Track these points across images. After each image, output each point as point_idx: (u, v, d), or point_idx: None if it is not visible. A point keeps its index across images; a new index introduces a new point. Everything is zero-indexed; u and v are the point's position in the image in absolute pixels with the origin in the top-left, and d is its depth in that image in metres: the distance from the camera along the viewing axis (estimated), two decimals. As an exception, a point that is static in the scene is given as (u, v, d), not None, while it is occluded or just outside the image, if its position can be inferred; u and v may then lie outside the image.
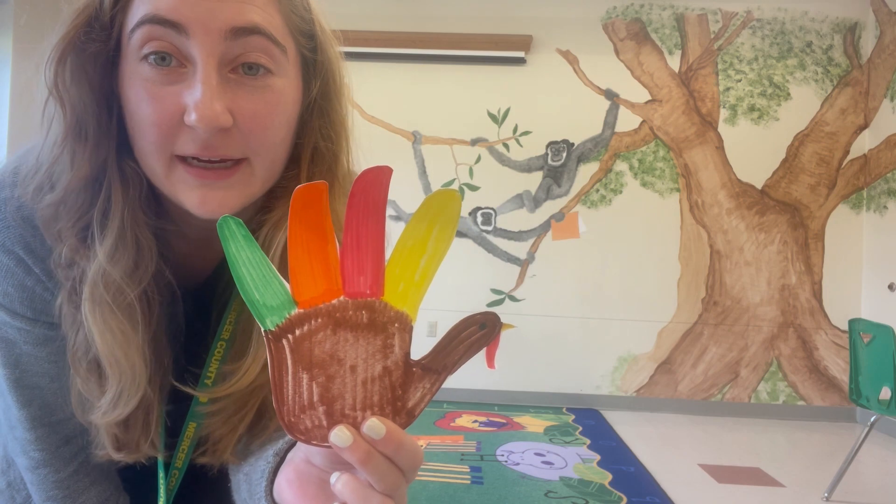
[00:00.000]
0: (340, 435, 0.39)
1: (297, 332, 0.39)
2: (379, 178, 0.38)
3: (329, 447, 0.40)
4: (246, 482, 0.60)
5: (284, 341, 0.39)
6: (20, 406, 0.64)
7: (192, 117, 0.50)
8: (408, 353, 0.40)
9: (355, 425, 0.40)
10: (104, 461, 0.64)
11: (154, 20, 0.51)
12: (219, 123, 0.51)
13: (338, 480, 0.40)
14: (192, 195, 0.54)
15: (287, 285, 0.39)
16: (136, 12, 0.52)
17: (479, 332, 0.40)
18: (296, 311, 0.39)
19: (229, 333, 0.65)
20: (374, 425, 0.39)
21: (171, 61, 0.52)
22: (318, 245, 0.39)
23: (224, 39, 0.51)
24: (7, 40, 3.63)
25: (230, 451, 0.64)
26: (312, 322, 0.39)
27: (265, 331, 0.39)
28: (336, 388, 0.40)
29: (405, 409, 0.41)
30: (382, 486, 0.40)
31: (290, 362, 0.39)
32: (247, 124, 0.54)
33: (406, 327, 0.40)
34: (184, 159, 0.54)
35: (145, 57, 0.52)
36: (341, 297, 0.39)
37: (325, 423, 0.40)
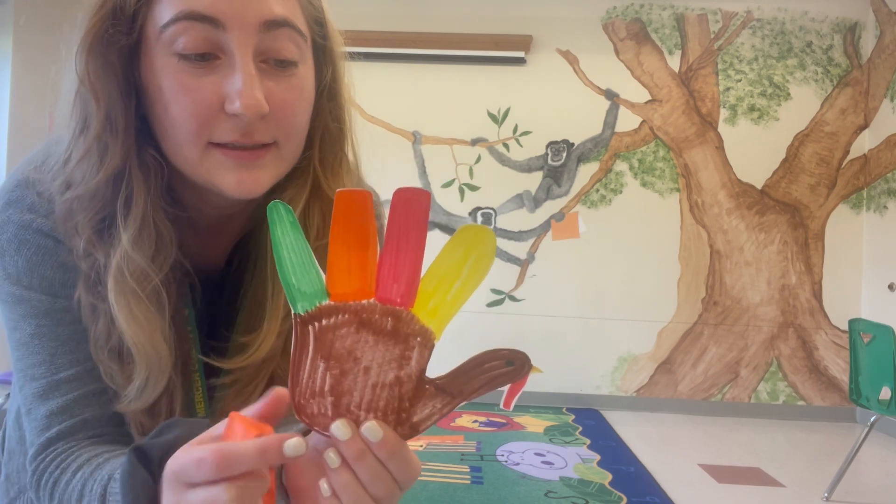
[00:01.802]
0: (341, 428, 0.40)
1: (324, 321, 0.40)
2: (419, 197, 0.39)
3: (328, 436, 0.41)
4: None
5: (311, 327, 0.40)
6: (51, 402, 0.61)
7: (235, 105, 0.53)
8: (423, 370, 0.41)
9: (357, 423, 0.41)
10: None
11: (191, 16, 0.53)
12: (261, 110, 0.54)
13: (337, 467, 0.41)
14: (229, 177, 0.57)
15: (323, 276, 0.40)
16: (166, 7, 0.54)
17: (504, 368, 0.39)
18: (326, 301, 0.40)
19: (245, 308, 0.67)
20: (372, 428, 0.40)
21: (207, 55, 0.54)
22: (360, 247, 0.39)
23: (258, 32, 0.55)
24: (7, 40, 3.63)
25: None
26: (340, 316, 0.40)
27: (294, 314, 0.40)
28: (347, 384, 0.40)
29: (409, 422, 0.41)
30: (372, 489, 0.41)
31: (311, 348, 0.40)
32: (278, 111, 0.57)
33: (428, 344, 0.40)
34: (218, 144, 0.56)
35: (180, 51, 0.54)
36: (371, 300, 0.40)
37: (329, 412, 0.41)
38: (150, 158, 0.58)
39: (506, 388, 0.40)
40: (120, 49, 0.56)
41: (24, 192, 0.61)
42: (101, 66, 0.55)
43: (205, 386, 0.66)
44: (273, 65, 0.57)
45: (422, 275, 0.40)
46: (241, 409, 0.64)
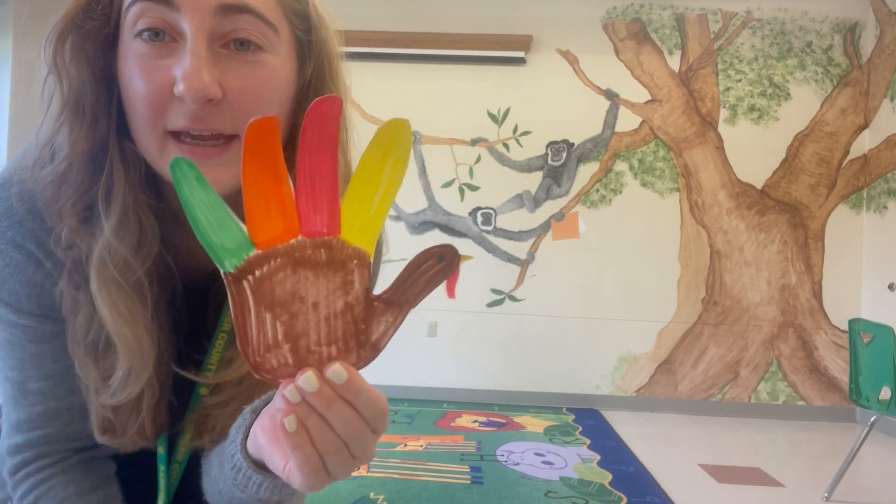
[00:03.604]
0: (309, 381, 0.40)
1: (257, 272, 0.39)
2: (330, 110, 0.37)
3: (296, 386, 0.40)
4: (218, 454, 0.60)
5: (245, 283, 0.39)
6: (20, 409, 0.64)
7: (180, 87, 0.51)
8: (368, 289, 0.40)
9: (320, 360, 0.40)
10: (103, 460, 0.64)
11: None
12: (207, 93, 0.52)
13: (307, 412, 0.41)
14: None
15: (244, 227, 0.39)
16: None
17: (437, 266, 0.40)
18: (254, 252, 0.39)
19: (230, 325, 0.65)
20: (337, 371, 0.40)
21: (164, 37, 0.53)
22: (273, 183, 0.38)
23: (213, 16, 0.52)
24: (7, 40, 3.63)
25: None
26: (272, 262, 0.39)
27: (224, 273, 0.39)
28: (300, 326, 0.40)
29: (369, 343, 0.41)
30: (343, 430, 0.41)
31: (251, 303, 0.39)
32: (237, 98, 0.54)
33: (364, 263, 0.40)
34: (176, 136, 0.54)
35: (139, 33, 0.53)
36: (299, 237, 0.39)
37: (290, 360, 0.40)
38: (129, 151, 0.58)
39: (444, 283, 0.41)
40: (94, 36, 0.55)
41: (2, 193, 0.60)
42: (71, 52, 0.55)
43: (165, 399, 0.64)
44: (234, 48, 0.54)
45: (340, 195, 0.39)
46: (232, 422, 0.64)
